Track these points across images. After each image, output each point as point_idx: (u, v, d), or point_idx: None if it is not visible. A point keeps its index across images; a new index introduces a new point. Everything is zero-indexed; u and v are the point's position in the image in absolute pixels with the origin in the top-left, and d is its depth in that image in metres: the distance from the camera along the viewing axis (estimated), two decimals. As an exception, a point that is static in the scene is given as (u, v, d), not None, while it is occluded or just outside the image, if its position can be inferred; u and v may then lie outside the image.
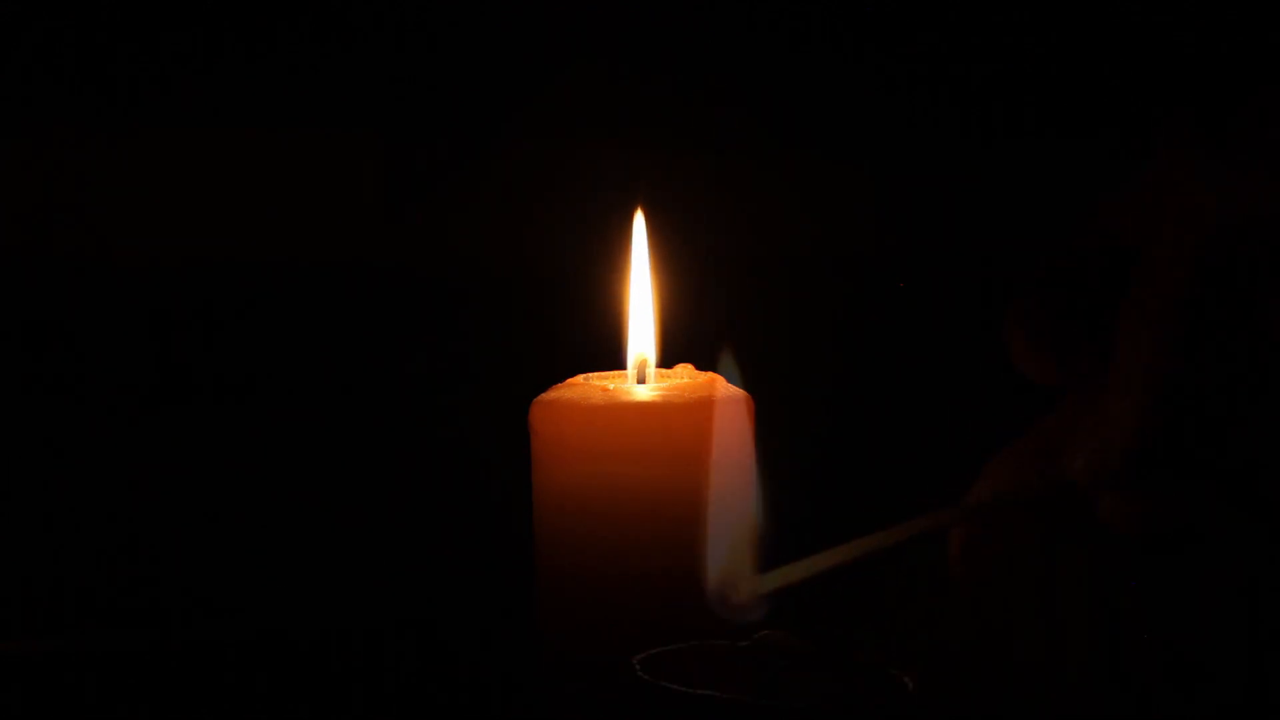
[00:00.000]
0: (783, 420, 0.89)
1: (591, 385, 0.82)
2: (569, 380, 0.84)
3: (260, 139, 1.10)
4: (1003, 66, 1.11)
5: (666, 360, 0.87)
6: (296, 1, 1.08)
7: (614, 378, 0.86)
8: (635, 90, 1.11)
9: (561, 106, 1.12)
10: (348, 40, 1.09)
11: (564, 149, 1.13)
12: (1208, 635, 0.84)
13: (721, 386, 0.83)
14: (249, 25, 1.08)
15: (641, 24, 1.11)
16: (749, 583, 0.71)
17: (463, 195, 1.12)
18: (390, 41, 1.10)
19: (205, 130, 1.09)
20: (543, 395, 0.82)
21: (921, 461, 1.12)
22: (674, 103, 1.12)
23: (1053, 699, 0.84)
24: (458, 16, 1.10)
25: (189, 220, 1.10)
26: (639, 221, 0.87)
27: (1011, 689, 0.84)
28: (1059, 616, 0.85)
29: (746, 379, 0.81)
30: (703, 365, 0.86)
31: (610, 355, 0.88)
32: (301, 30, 1.09)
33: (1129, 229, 0.67)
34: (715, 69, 1.12)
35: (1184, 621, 0.84)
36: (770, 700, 0.68)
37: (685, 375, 0.85)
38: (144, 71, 1.07)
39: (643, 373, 0.86)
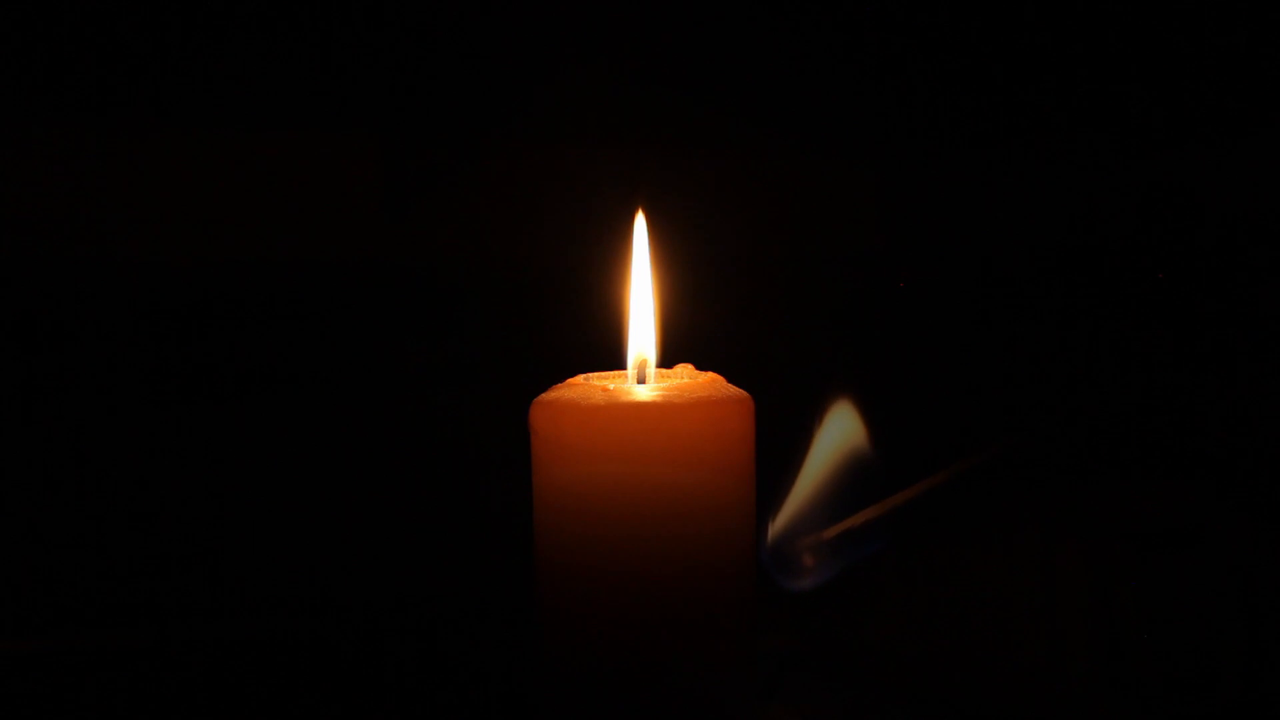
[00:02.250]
0: (783, 420, 0.89)
1: (591, 385, 0.82)
2: (569, 380, 0.84)
3: (260, 139, 1.10)
4: (1003, 66, 1.11)
5: (666, 360, 0.87)
6: (296, 2, 1.08)
7: (614, 378, 0.86)
8: (635, 90, 1.11)
9: (561, 106, 1.12)
10: (348, 40, 1.09)
11: (564, 149, 1.13)
12: (1208, 635, 0.84)
13: (722, 386, 0.83)
14: (249, 26, 1.08)
15: (641, 24, 1.11)
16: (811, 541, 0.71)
17: (463, 195, 1.12)
18: (390, 42, 1.10)
19: (205, 130, 1.09)
20: (543, 395, 0.82)
21: (921, 461, 1.12)
22: (674, 103, 1.12)
23: (1053, 699, 0.84)
24: (457, 17, 1.10)
25: (189, 220, 1.10)
26: (639, 221, 0.87)
27: (1011, 689, 0.85)
28: (1059, 616, 0.85)
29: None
30: (703, 365, 0.86)
31: (610, 355, 0.88)
32: (301, 30, 1.09)
33: None
34: (715, 69, 1.13)
35: (1184, 621, 0.84)
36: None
37: (685, 375, 0.85)
38: (144, 71, 1.07)
39: (643, 373, 0.86)
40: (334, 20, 1.09)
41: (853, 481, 0.76)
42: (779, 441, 0.88)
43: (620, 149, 1.12)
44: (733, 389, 0.83)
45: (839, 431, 0.76)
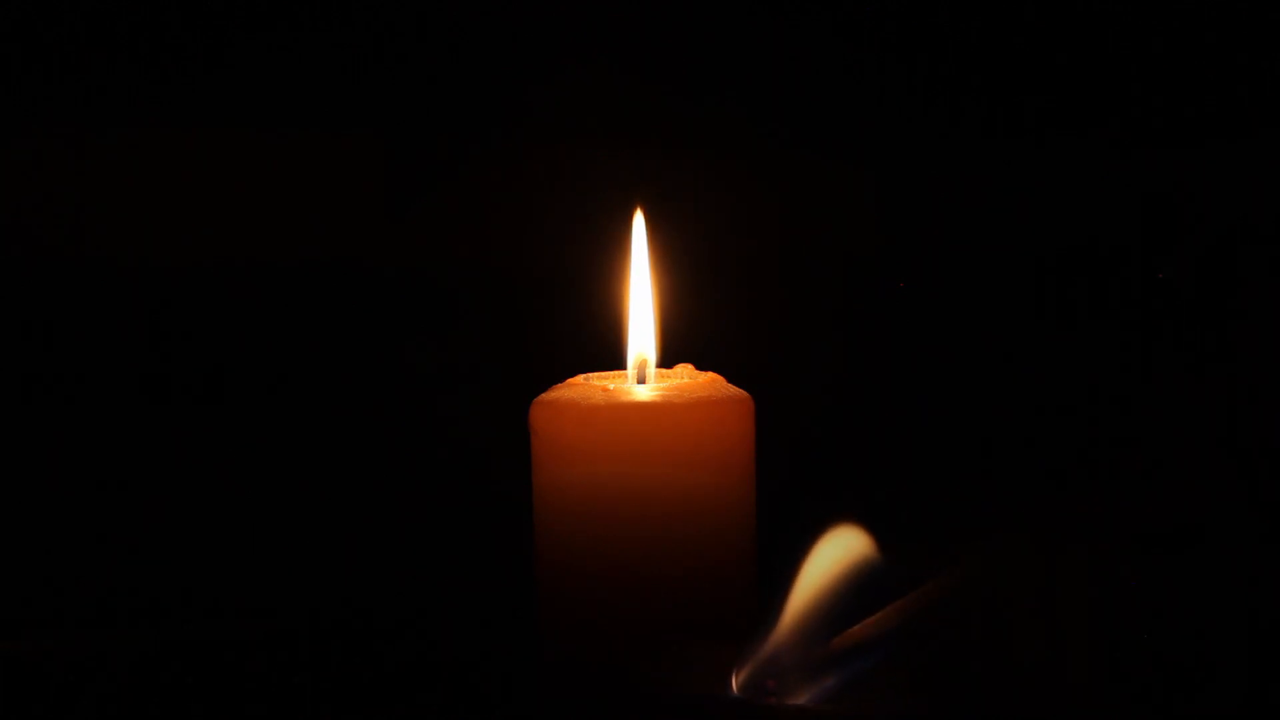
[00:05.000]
0: (783, 420, 0.89)
1: (591, 385, 0.82)
2: (569, 380, 0.84)
3: (260, 139, 1.10)
4: (1003, 66, 1.11)
5: (666, 360, 0.87)
6: (296, 1, 1.08)
7: (614, 378, 0.86)
8: (635, 90, 1.11)
9: (561, 106, 1.12)
10: (348, 40, 1.09)
11: (564, 149, 1.13)
12: (1208, 635, 0.84)
13: (722, 386, 0.83)
14: (249, 25, 1.08)
15: (641, 24, 1.11)
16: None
17: (463, 195, 1.12)
18: (390, 42, 1.10)
19: (205, 130, 1.09)
20: (543, 395, 0.83)
21: (920, 461, 1.12)
22: (674, 103, 1.12)
23: (1053, 699, 0.84)
24: (458, 17, 1.10)
25: (190, 220, 1.10)
26: (639, 221, 0.87)
27: (1012, 689, 0.84)
28: (1059, 616, 0.85)
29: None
30: (703, 365, 0.86)
31: (610, 355, 0.88)
32: (302, 30, 1.09)
33: None
34: (715, 68, 1.12)
35: (1184, 621, 0.84)
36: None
37: (685, 375, 0.85)
38: (144, 72, 1.07)
39: (643, 373, 0.86)
40: (334, 20, 1.09)
41: (850, 599, 0.73)
42: (779, 441, 0.88)
43: (620, 149, 1.12)
44: (733, 389, 0.83)
45: (838, 550, 0.74)
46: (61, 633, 1.03)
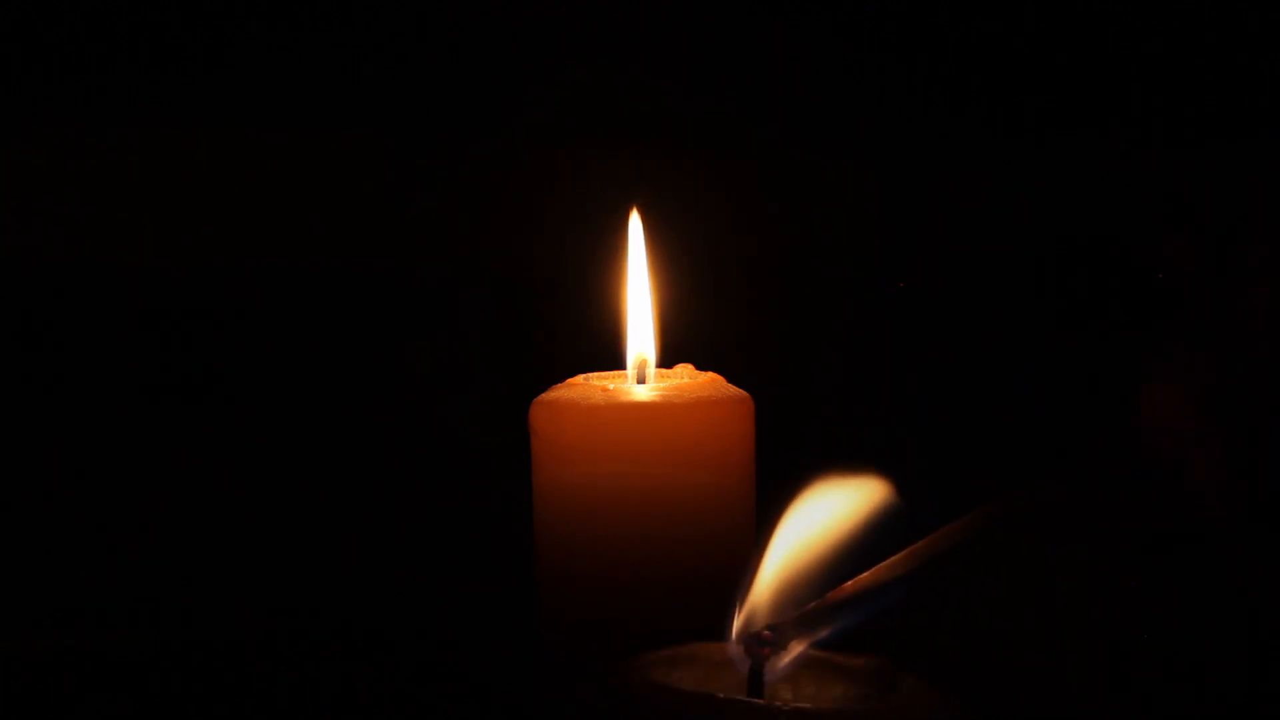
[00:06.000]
0: (783, 420, 0.89)
1: (591, 385, 0.82)
2: (569, 380, 0.84)
3: (261, 139, 1.10)
4: (1003, 66, 1.11)
5: (666, 360, 0.87)
6: (296, 1, 1.08)
7: (614, 378, 0.86)
8: (634, 90, 1.11)
9: (560, 106, 1.12)
10: (348, 40, 1.09)
11: (564, 149, 1.13)
12: (1208, 635, 0.84)
13: (722, 386, 0.83)
14: (249, 25, 1.08)
15: (640, 23, 1.11)
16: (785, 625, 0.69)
17: (463, 195, 1.12)
18: (391, 42, 1.10)
19: (206, 130, 1.09)
20: (543, 395, 0.82)
21: (920, 461, 1.12)
22: (673, 103, 1.12)
23: (1053, 699, 0.84)
24: (458, 17, 1.10)
25: (190, 221, 1.10)
26: (635, 221, 0.87)
27: (1011, 689, 0.85)
28: (1059, 616, 0.85)
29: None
30: (703, 365, 0.86)
31: (610, 355, 0.88)
32: (302, 30, 1.09)
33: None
34: (714, 68, 1.12)
35: (1184, 621, 0.84)
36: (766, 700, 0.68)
37: (685, 375, 0.85)
38: (144, 72, 1.07)
39: (643, 373, 0.86)
40: (334, 20, 1.09)
41: (853, 549, 0.72)
42: (779, 441, 0.88)
43: (620, 149, 1.12)
44: (733, 389, 0.83)
45: (844, 499, 0.73)
46: (61, 633, 1.03)
